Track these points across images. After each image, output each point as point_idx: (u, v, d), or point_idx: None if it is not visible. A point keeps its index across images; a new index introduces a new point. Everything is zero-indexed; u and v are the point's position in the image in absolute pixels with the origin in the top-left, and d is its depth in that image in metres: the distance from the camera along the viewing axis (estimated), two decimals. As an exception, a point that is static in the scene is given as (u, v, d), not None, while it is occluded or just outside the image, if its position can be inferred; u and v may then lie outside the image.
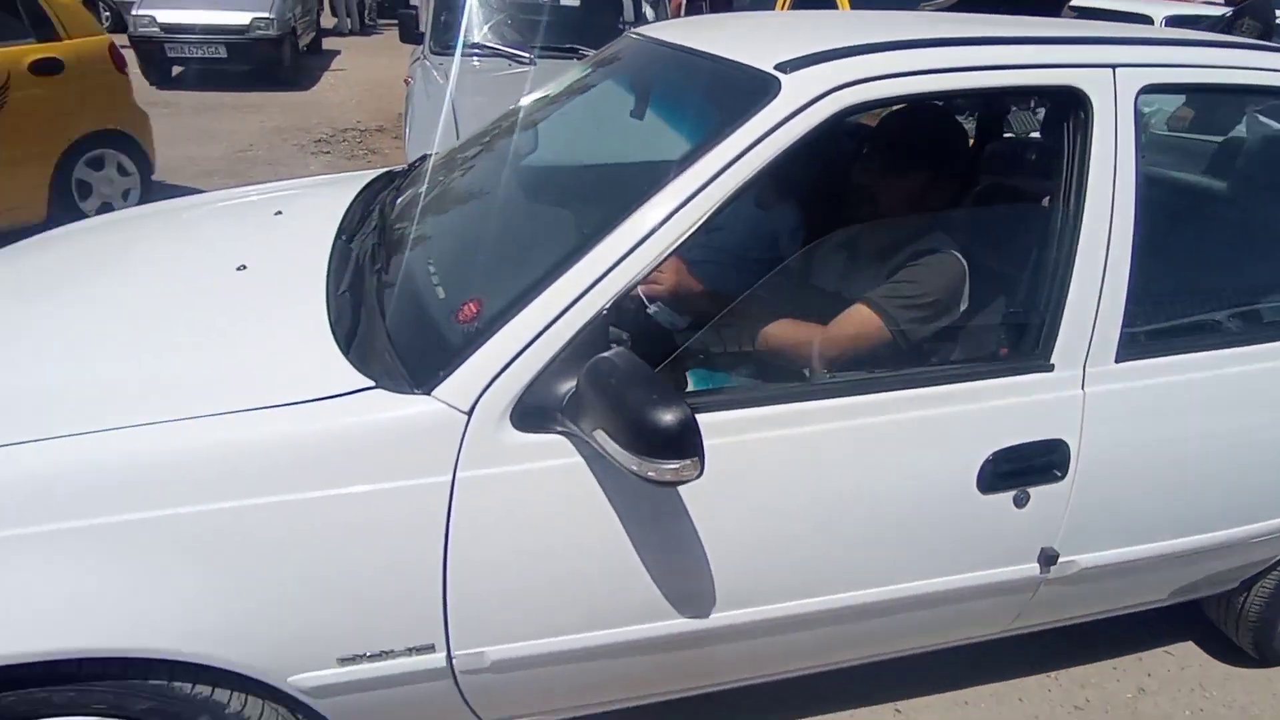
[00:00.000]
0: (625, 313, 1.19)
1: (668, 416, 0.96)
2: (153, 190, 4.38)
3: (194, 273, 1.63)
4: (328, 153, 6.02)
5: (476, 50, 4.16)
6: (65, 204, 3.87)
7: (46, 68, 3.77)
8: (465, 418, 1.13)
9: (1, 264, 1.83)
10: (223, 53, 7.97)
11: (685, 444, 0.97)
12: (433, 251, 1.56)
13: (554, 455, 1.17)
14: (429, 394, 1.14)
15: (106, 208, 4.09)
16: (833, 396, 1.27)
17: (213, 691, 1.17)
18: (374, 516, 1.13)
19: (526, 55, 4.02)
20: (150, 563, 1.09)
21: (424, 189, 1.90)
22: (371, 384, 1.17)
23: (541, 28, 4.25)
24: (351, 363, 1.22)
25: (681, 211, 1.16)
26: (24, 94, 3.66)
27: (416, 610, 1.18)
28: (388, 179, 2.19)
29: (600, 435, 1.03)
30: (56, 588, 1.08)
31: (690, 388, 1.43)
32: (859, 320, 1.43)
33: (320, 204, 2.04)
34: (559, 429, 1.16)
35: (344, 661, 1.19)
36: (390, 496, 1.13)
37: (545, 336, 1.14)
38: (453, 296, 1.35)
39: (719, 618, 1.30)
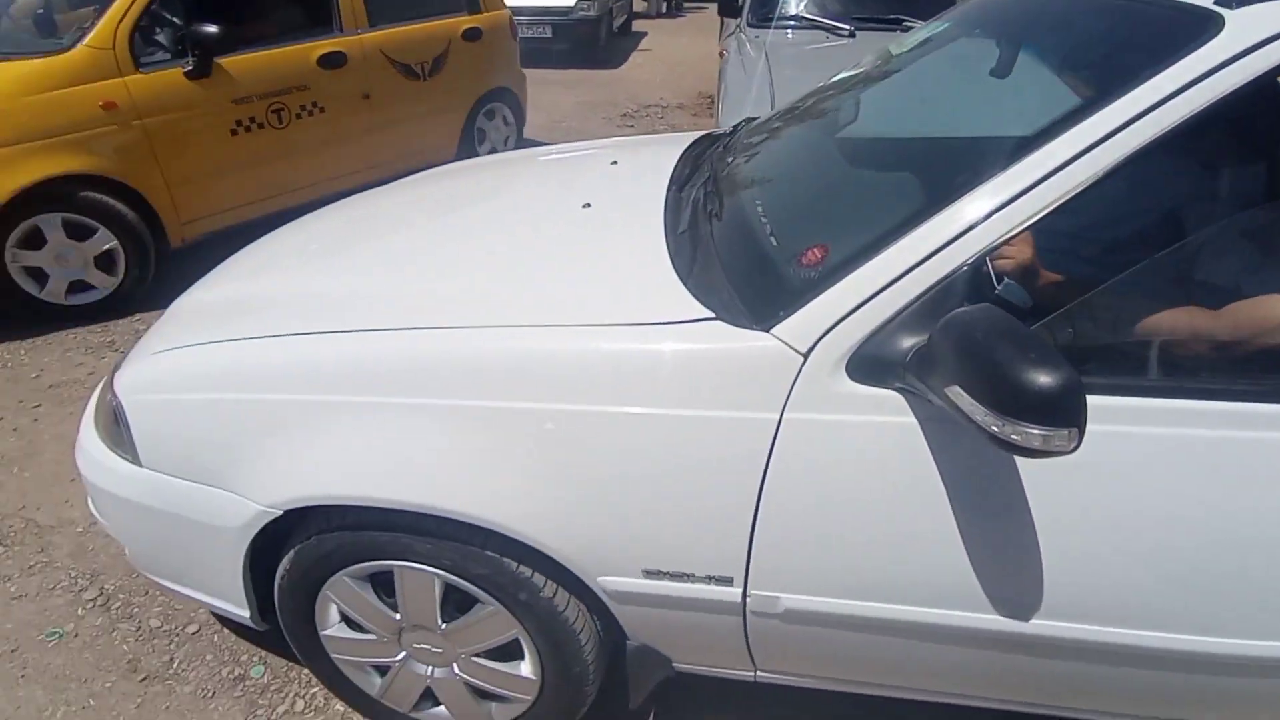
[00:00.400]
0: (967, 286, 1.09)
1: (1047, 378, 0.86)
2: (523, 141, 5.40)
3: (550, 207, 1.80)
4: (631, 126, 6.37)
5: (793, 22, 4.12)
6: (468, 147, 4.90)
7: (472, 35, 4.75)
8: (801, 359, 1.11)
9: (422, 184, 2.23)
10: (548, 32, 8.77)
11: (1066, 410, 0.87)
12: (764, 202, 1.56)
13: (887, 411, 1.11)
14: (768, 331, 1.14)
15: (492, 151, 5.10)
16: (1239, 400, 1.07)
17: (533, 574, 1.29)
18: (697, 441, 1.16)
19: (846, 27, 3.90)
20: (499, 447, 1.21)
21: (751, 147, 1.92)
22: (711, 315, 1.20)
23: (861, 1, 4.10)
24: (692, 293, 1.26)
25: (1072, 165, 1.03)
26: (457, 57, 4.66)
27: (722, 540, 1.19)
28: (709, 140, 2.24)
29: (955, 391, 0.96)
30: (429, 454, 1.24)
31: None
32: (1271, 314, 1.19)
33: (650, 157, 2.14)
34: (898, 385, 1.10)
35: (648, 574, 1.24)
36: (715, 425, 1.15)
37: (894, 289, 1.08)
38: (787, 245, 1.34)
39: (1038, 626, 1.16)
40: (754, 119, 2.33)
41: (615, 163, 2.05)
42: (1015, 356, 0.89)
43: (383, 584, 1.42)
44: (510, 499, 1.22)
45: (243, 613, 1.51)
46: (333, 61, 3.95)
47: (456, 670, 1.49)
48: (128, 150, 3.23)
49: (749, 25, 4.23)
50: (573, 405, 1.19)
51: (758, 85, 3.47)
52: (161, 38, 3.40)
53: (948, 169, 1.28)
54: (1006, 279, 1.26)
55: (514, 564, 1.28)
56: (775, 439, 1.14)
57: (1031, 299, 1.33)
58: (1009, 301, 1.16)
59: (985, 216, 1.06)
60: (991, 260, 1.13)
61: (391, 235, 1.81)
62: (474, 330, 1.27)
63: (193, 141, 3.45)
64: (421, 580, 1.36)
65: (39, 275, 3.15)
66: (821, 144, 1.82)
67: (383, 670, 1.56)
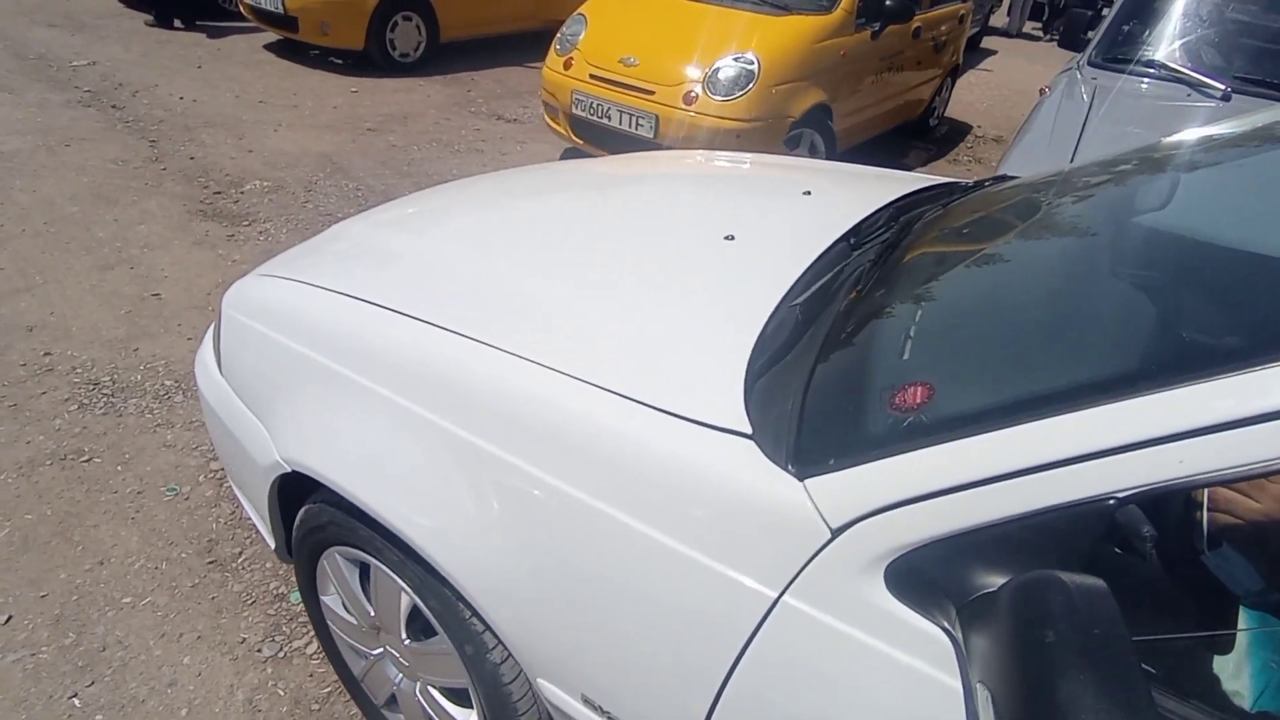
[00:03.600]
0: (1133, 524, 0.68)
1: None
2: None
3: (699, 229, 1.55)
4: (930, 149, 5.74)
5: (1152, 70, 3.33)
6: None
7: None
8: (828, 534, 0.80)
9: (614, 170, 2.04)
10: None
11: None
12: (936, 298, 1.19)
13: (926, 653, 0.76)
14: (800, 479, 0.83)
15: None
16: None
17: (484, 631, 1.12)
18: (676, 579, 0.89)
19: (1221, 87, 3.06)
20: (477, 491, 1.04)
21: (977, 215, 1.50)
22: (748, 432, 0.91)
23: (1251, 54, 3.19)
24: (745, 394, 0.97)
25: None
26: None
27: (679, 700, 0.92)
28: (947, 191, 1.83)
29: (983, 696, 0.60)
30: (405, 465, 1.11)
31: (1241, 628, 0.82)
32: None
33: (851, 196, 1.80)
34: (945, 625, 0.74)
35: (587, 703, 1.02)
36: (701, 571, 0.87)
37: (1006, 488, 0.72)
38: (914, 367, 0.98)
39: None
40: (1011, 178, 1.87)
41: (809, 193, 1.74)
42: (1084, 707, 0.52)
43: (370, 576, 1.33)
44: (469, 550, 1.05)
45: (270, 541, 1.52)
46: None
47: (417, 691, 1.38)
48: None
49: (1089, 64, 3.51)
50: (563, 482, 0.97)
51: (1060, 136, 2.86)
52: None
53: (1226, 316, 0.86)
54: (1227, 546, 0.84)
55: (466, 612, 1.12)
56: (764, 622, 0.84)
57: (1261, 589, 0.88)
58: (1212, 569, 0.74)
59: (1230, 423, 0.64)
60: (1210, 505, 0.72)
61: (528, 226, 1.65)
62: (501, 354, 1.10)
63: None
64: (390, 587, 1.25)
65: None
66: (1075, 233, 1.37)
67: (364, 656, 1.49)
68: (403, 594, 1.24)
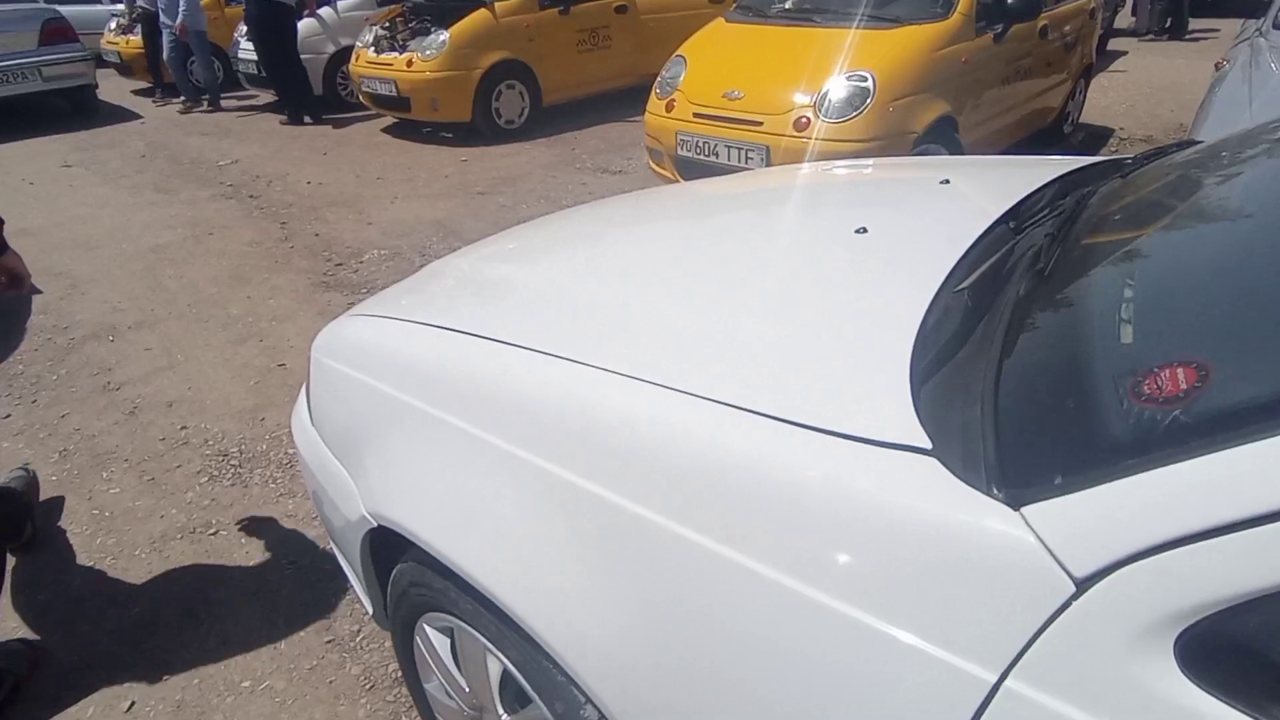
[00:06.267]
0: None
1: None
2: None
3: (830, 224, 1.35)
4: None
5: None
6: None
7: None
8: (1071, 589, 0.56)
9: (739, 185, 1.90)
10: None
11: None
12: (1143, 271, 0.93)
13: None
14: (1014, 506, 0.60)
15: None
16: None
17: (585, 704, 0.92)
18: (844, 650, 0.67)
19: None
20: (590, 547, 0.86)
21: (1177, 177, 1.23)
22: (927, 446, 0.68)
23: None
24: (914, 399, 0.75)
25: None
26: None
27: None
28: (1115, 166, 1.55)
29: None
30: (502, 519, 0.94)
31: None
32: None
33: (997, 180, 1.55)
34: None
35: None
36: (877, 638, 0.65)
37: None
38: (1149, 348, 0.73)
39: None
40: (1197, 142, 1.57)
41: (946, 181, 1.51)
42: None
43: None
44: (550, 603, 0.87)
45: (367, 606, 1.39)
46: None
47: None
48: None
49: (1275, 27, 3.08)
50: (696, 532, 0.77)
51: (1263, 101, 2.46)
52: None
53: None
54: None
55: (550, 664, 0.93)
56: (985, 707, 0.59)
57: None
58: None
59: None
60: None
61: (638, 246, 1.51)
62: (622, 379, 0.92)
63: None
64: (477, 650, 1.08)
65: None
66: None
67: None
68: (489, 658, 1.06)
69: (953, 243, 1.10)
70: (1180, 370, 0.62)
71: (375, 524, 1.15)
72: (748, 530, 0.73)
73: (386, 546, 1.24)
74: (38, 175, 5.61)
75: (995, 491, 0.62)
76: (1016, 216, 1.25)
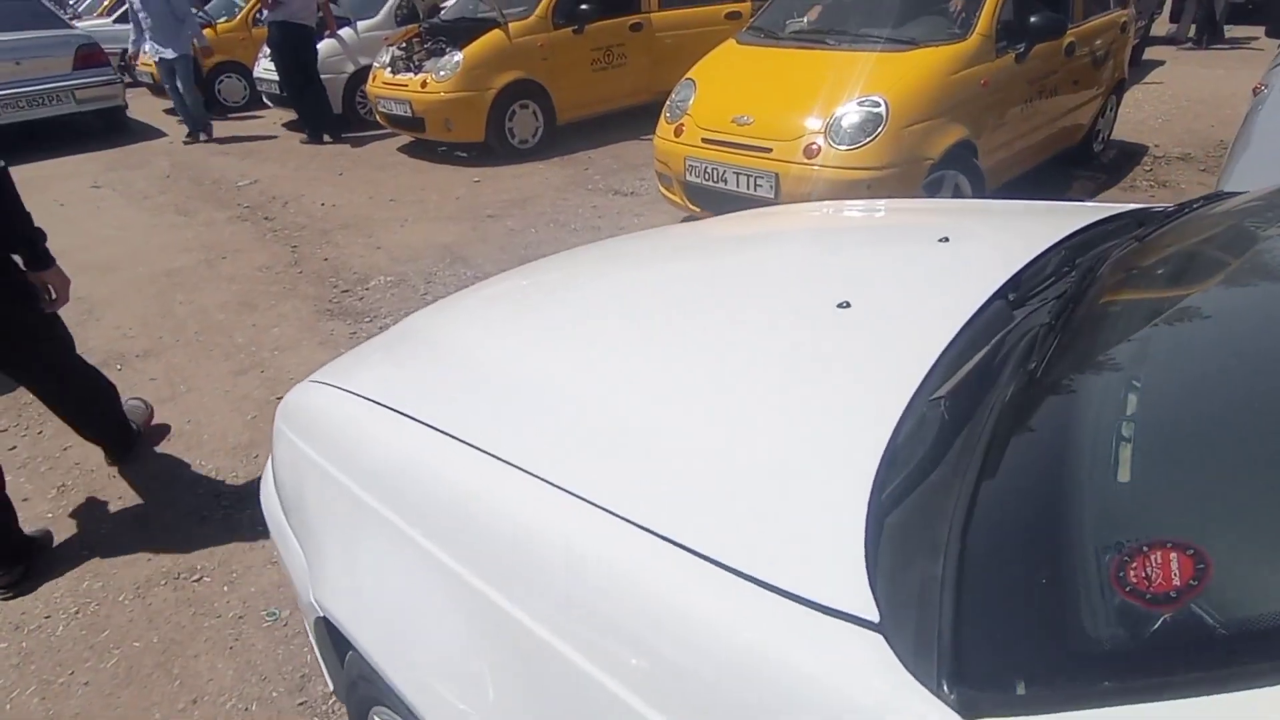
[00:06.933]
0: None
1: None
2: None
3: (809, 294, 1.27)
4: (1098, 177, 5.10)
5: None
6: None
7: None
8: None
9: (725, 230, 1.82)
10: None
11: None
12: (1151, 384, 0.83)
13: None
14: (964, 714, 0.52)
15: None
16: None
17: None
18: None
19: None
20: (522, 682, 0.79)
21: (1200, 247, 1.13)
22: (872, 619, 0.60)
23: None
24: (868, 550, 0.66)
25: None
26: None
27: None
28: (1135, 220, 1.45)
29: None
30: (436, 637, 0.88)
31: None
32: None
33: (1002, 239, 1.45)
34: None
35: None
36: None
37: None
38: (1146, 498, 0.64)
39: None
40: (1230, 195, 1.47)
41: (946, 240, 1.42)
42: None
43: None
44: None
45: (329, 683, 1.35)
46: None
47: None
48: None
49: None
50: (610, 679, 0.70)
51: None
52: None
53: None
54: None
55: None
56: None
57: None
58: None
59: None
60: None
61: (604, 308, 1.40)
62: (544, 488, 0.86)
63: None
64: None
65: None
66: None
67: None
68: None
69: (942, 322, 1.02)
70: (1174, 556, 0.53)
71: (319, 613, 1.09)
72: (667, 689, 0.66)
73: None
74: (69, 196, 5.71)
75: (946, 690, 0.53)
76: (1016, 289, 1.16)
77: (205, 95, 8.21)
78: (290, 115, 7.31)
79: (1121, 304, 1.05)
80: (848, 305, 1.14)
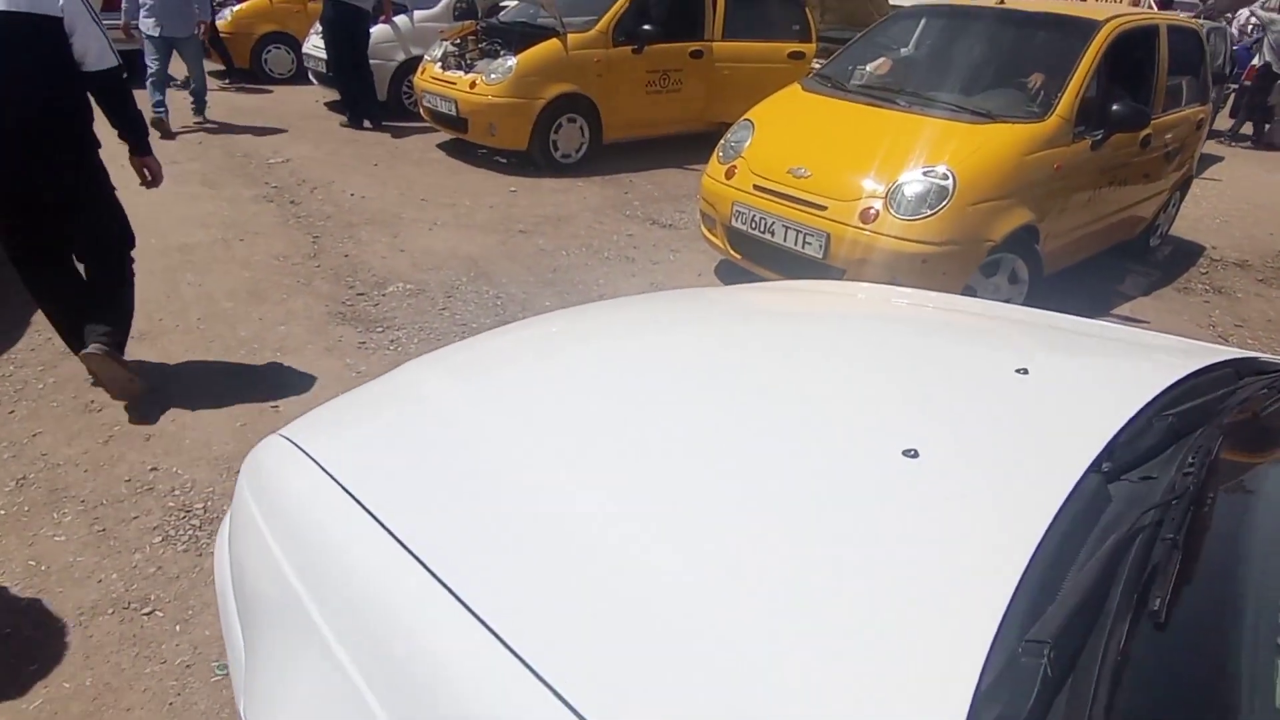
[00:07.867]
0: None
1: None
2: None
3: (850, 431, 1.06)
4: (1151, 274, 4.88)
5: None
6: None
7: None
8: None
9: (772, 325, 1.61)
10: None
11: None
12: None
13: None
14: None
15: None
16: None
17: None
18: None
19: None
20: None
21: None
22: None
23: None
24: None
25: None
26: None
27: None
28: (1237, 372, 1.25)
29: None
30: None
31: None
32: None
33: (1093, 378, 1.24)
34: None
35: None
36: None
37: None
38: None
39: None
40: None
41: (1024, 371, 1.21)
42: None
43: None
44: None
45: None
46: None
47: None
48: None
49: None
50: None
51: None
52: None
53: None
54: None
55: None
56: None
57: None
58: None
59: None
60: None
61: (620, 415, 1.17)
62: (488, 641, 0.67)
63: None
64: None
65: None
66: None
67: None
68: None
69: (1033, 495, 0.82)
70: None
71: None
72: None
73: None
74: (92, 150, 5.56)
75: None
76: (1113, 457, 0.95)
77: (251, 64, 8.12)
78: (334, 95, 7.17)
79: (1258, 495, 0.85)
80: (915, 455, 0.94)
